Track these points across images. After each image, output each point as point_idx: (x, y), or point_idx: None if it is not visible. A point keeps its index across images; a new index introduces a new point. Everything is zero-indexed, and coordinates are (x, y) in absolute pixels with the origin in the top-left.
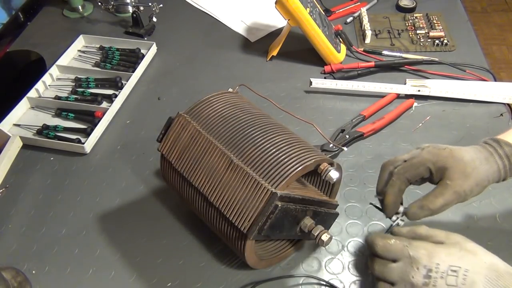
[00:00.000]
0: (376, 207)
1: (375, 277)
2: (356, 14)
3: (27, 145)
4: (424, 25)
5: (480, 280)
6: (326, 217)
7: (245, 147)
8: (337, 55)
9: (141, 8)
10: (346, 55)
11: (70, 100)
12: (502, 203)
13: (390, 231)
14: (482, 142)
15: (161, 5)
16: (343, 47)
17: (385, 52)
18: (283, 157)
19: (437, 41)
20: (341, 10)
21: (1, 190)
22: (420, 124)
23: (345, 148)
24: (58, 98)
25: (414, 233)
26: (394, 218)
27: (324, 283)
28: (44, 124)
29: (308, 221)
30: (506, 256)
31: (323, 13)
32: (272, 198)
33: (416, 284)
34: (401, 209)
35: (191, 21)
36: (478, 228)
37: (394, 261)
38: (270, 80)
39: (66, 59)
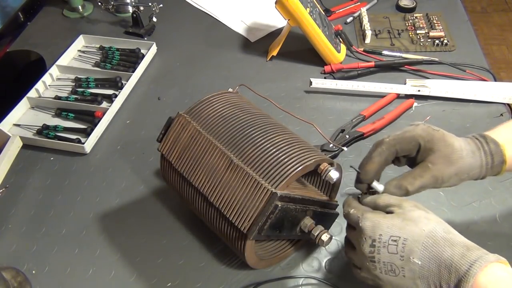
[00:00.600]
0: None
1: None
2: (356, 14)
3: (27, 145)
4: (424, 25)
5: (417, 247)
6: (326, 217)
7: (245, 147)
8: (337, 55)
9: (141, 8)
10: (346, 55)
11: (70, 100)
12: (502, 203)
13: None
14: (471, 136)
15: (161, 5)
16: (343, 47)
17: (385, 52)
18: (283, 157)
19: (437, 41)
20: (341, 10)
21: (1, 190)
22: None
23: (345, 148)
24: (58, 98)
25: (374, 203)
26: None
27: (325, 282)
28: (44, 124)
29: (308, 221)
30: (506, 256)
31: (323, 13)
32: (272, 198)
33: (364, 252)
34: (381, 188)
35: (191, 21)
36: (478, 228)
37: (354, 228)
38: (270, 80)
39: (66, 59)
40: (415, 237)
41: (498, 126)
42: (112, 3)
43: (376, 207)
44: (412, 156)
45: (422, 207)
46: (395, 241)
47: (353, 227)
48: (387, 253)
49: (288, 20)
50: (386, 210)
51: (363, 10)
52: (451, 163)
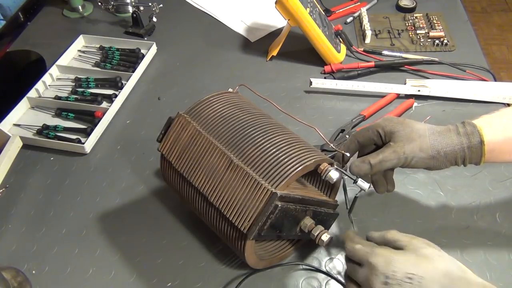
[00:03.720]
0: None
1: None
2: (356, 14)
3: (27, 145)
4: (424, 25)
5: (435, 287)
6: (326, 217)
7: (245, 147)
8: (337, 55)
9: (141, 8)
10: (346, 55)
11: (70, 100)
12: (502, 203)
13: (352, 203)
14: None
15: (161, 5)
16: (343, 47)
17: (385, 52)
18: (283, 157)
19: (437, 41)
20: (341, 10)
21: (1, 190)
22: None
23: None
24: (58, 98)
25: (383, 238)
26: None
27: (317, 270)
28: (44, 124)
29: (308, 221)
30: (505, 256)
31: (323, 13)
32: (272, 198)
33: None
34: (366, 186)
35: (191, 21)
36: (478, 228)
37: (360, 264)
38: (270, 80)
39: (66, 59)
40: (431, 275)
41: (481, 116)
42: (112, 3)
43: (385, 242)
44: (380, 145)
45: (433, 244)
46: (410, 278)
47: (357, 263)
48: None
49: (288, 20)
50: (395, 245)
51: (363, 10)
52: (411, 140)
